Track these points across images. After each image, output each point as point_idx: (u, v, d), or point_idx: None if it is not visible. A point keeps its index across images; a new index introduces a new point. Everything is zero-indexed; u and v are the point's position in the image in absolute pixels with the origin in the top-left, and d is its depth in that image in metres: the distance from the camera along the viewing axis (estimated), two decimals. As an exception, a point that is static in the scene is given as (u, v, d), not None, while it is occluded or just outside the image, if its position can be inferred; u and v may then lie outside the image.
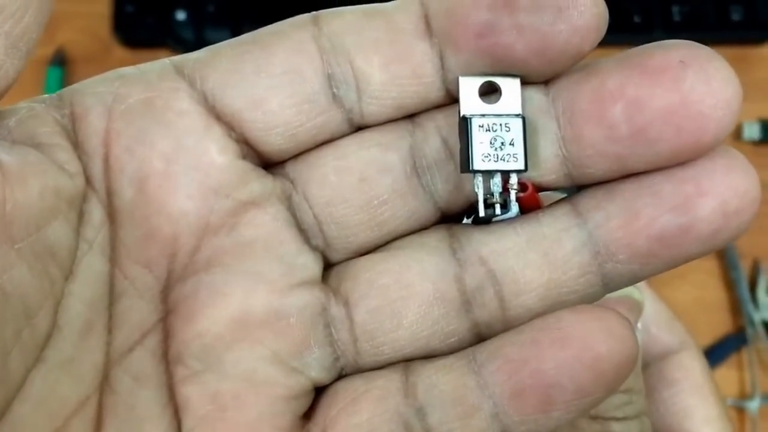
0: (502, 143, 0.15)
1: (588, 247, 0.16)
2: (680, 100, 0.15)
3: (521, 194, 0.16)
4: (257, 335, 0.16)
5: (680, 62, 0.15)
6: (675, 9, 0.62)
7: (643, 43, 0.61)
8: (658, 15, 0.63)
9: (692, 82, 0.15)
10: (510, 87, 0.15)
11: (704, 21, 0.63)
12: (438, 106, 0.17)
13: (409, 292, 0.17)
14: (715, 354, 0.53)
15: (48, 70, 0.58)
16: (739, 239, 0.56)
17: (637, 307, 0.24)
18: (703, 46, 0.16)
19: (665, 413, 0.26)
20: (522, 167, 0.15)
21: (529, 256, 0.16)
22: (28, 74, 0.59)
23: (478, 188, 0.15)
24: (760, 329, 0.54)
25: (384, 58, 0.16)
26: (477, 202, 0.16)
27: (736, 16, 0.62)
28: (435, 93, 0.16)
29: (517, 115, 0.15)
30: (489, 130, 0.15)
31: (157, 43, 0.60)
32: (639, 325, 0.25)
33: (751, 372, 0.52)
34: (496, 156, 0.15)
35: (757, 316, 0.54)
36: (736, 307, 0.55)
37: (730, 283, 0.55)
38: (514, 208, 0.16)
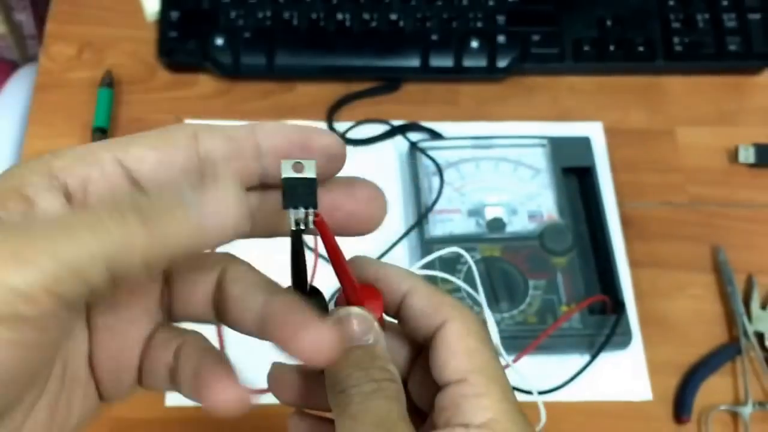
0: (302, 194, 0.25)
1: None
2: (358, 206, 0.26)
3: (315, 219, 0.25)
4: None
5: (364, 187, 0.26)
6: (676, 40, 0.62)
7: (647, 72, 0.61)
8: (660, 46, 0.63)
9: (365, 197, 0.26)
10: (310, 164, 0.25)
11: (703, 51, 0.63)
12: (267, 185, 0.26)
13: None
14: (712, 363, 0.53)
15: (99, 91, 0.59)
16: (734, 256, 0.56)
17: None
18: (375, 184, 0.27)
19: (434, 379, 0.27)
20: (314, 206, 0.25)
21: None
22: (82, 95, 0.60)
23: (291, 215, 0.25)
24: (753, 340, 0.53)
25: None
26: (289, 223, 0.25)
27: (733, 47, 0.62)
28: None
29: (312, 179, 0.25)
30: (296, 185, 0.25)
31: (197, 66, 0.61)
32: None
33: (744, 380, 0.52)
34: (301, 200, 0.25)
35: (751, 328, 0.54)
36: (731, 319, 0.55)
37: (725, 297, 0.55)
38: (311, 225, 0.25)
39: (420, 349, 0.28)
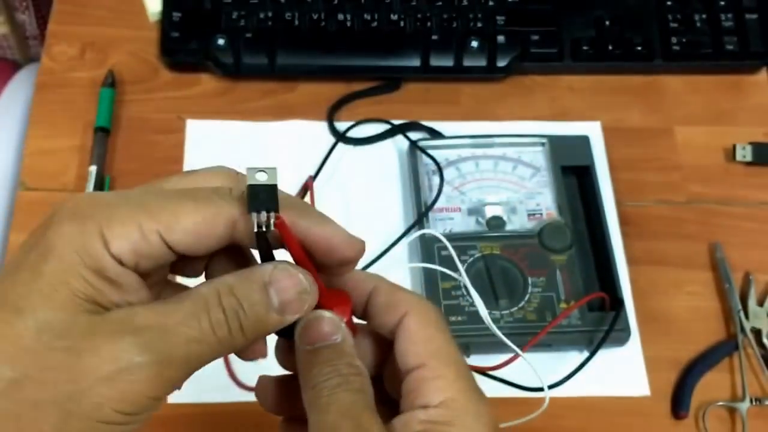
0: (265, 199, 0.26)
1: None
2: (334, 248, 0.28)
3: (276, 221, 0.26)
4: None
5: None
6: (674, 40, 0.63)
7: (645, 71, 0.60)
8: (658, 45, 0.63)
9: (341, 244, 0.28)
10: (273, 171, 0.26)
11: (701, 51, 0.63)
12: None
13: None
14: (709, 359, 0.53)
15: (101, 90, 0.59)
16: (732, 253, 0.56)
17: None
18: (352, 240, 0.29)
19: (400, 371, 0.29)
20: (275, 210, 0.26)
21: None
22: (84, 95, 0.60)
23: (253, 218, 0.26)
24: (750, 336, 0.54)
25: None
26: (253, 226, 0.26)
27: (730, 47, 0.63)
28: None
29: (273, 185, 0.26)
30: (259, 191, 0.26)
31: (198, 66, 0.61)
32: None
33: (741, 376, 0.52)
34: (263, 204, 0.26)
35: (748, 325, 0.54)
36: (728, 316, 0.55)
37: (722, 294, 0.55)
38: (272, 227, 0.26)
39: (390, 347, 0.30)
